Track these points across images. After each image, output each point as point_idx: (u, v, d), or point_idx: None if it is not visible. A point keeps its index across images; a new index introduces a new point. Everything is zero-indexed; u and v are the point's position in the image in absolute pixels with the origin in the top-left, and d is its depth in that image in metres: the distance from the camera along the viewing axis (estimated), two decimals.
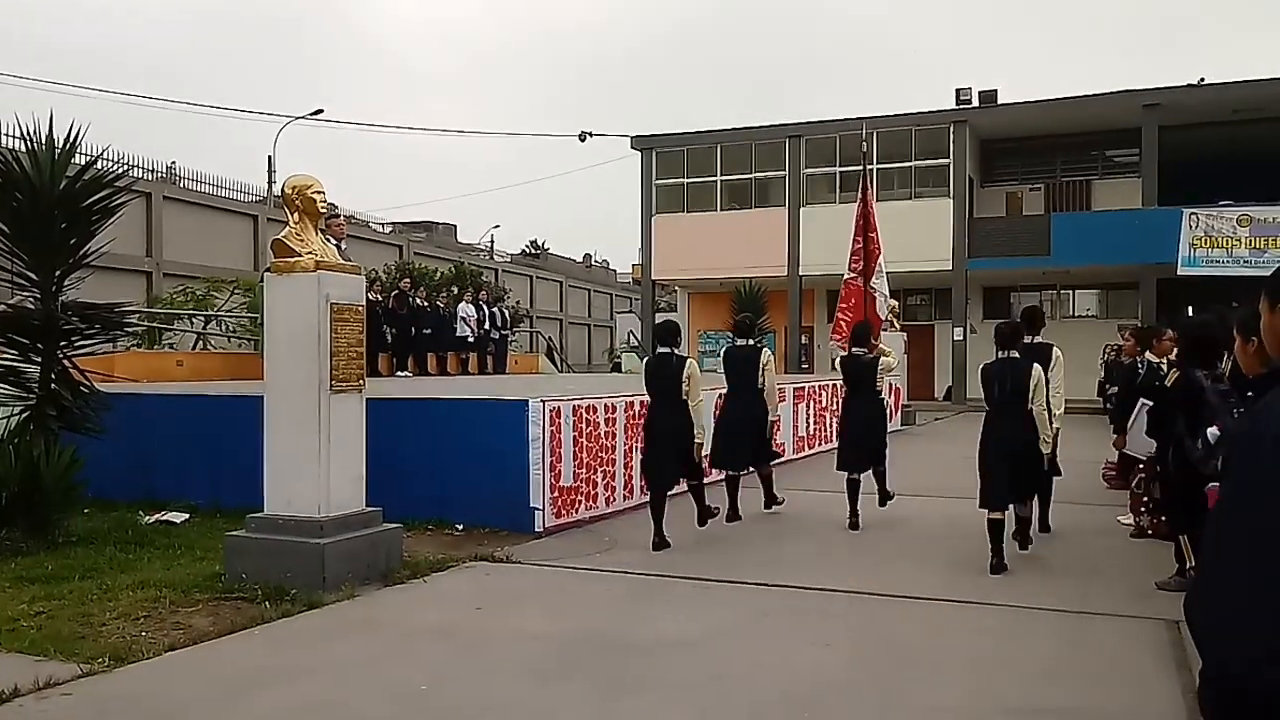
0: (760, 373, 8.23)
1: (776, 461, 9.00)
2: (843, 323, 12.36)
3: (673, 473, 7.30)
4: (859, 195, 13.13)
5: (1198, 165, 24.18)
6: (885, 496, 8.24)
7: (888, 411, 9.06)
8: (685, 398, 7.17)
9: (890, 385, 12.33)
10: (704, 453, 7.48)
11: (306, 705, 4.04)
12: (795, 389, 12.93)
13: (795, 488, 9.61)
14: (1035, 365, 6.66)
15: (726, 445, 8.16)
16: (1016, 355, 6.71)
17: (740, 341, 8.56)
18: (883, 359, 8.27)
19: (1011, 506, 6.67)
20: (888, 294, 14.27)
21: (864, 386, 8.18)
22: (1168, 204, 23.54)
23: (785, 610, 5.52)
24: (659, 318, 31.14)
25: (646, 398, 7.65)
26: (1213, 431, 5.24)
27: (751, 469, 8.43)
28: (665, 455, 7.24)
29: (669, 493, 7.24)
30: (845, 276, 13.05)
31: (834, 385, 14.73)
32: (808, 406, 13.45)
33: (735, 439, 8.14)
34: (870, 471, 8.12)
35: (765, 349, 8.55)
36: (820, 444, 13.59)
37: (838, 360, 9.37)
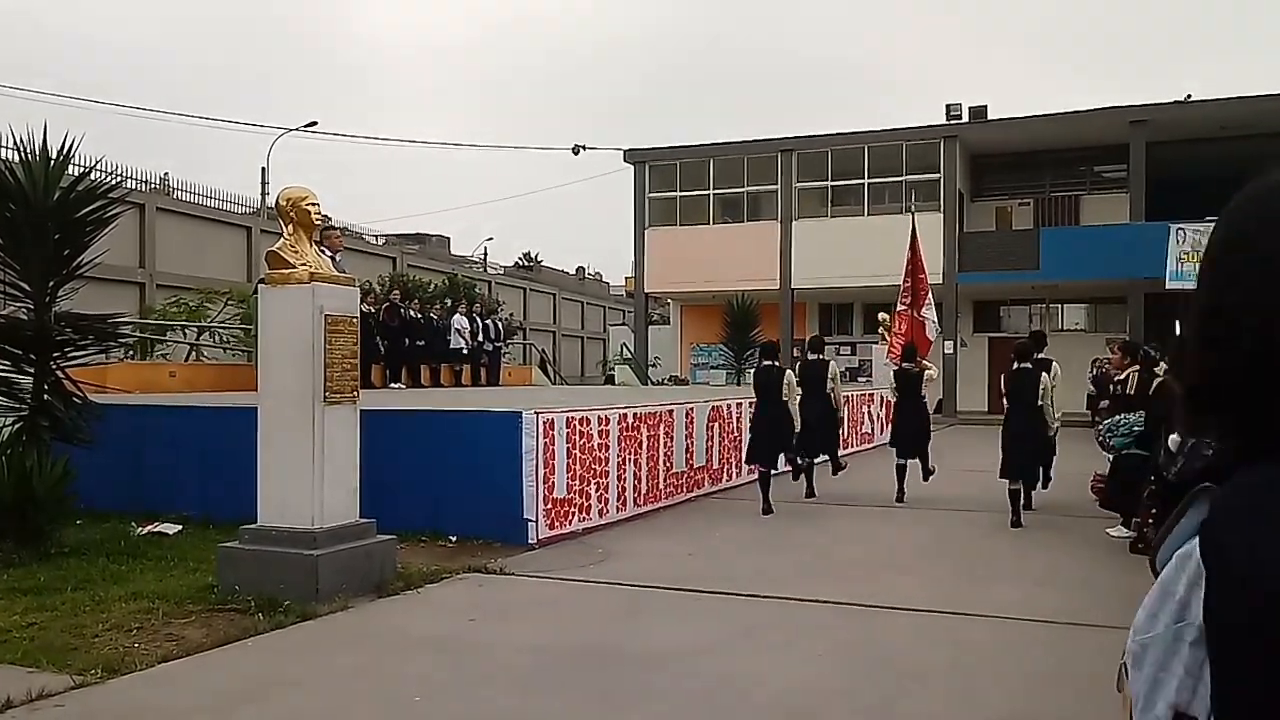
0: (829, 381, 10.23)
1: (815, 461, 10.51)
2: (896, 345, 15.13)
3: (775, 456, 9.57)
4: (908, 244, 16.22)
5: (1185, 181, 24.34)
6: (927, 473, 10.31)
7: (929, 412, 11.16)
8: (785, 398, 9.33)
9: (885, 397, 14.77)
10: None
11: (299, 716, 4.05)
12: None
13: (790, 498, 9.79)
14: (1043, 374, 8.88)
15: (803, 439, 9.82)
16: (1029, 366, 8.83)
17: (812, 356, 10.77)
18: (926, 372, 10.60)
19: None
20: (937, 321, 17.22)
21: (912, 392, 10.39)
22: (1155, 219, 23.68)
23: (777, 621, 5.54)
24: (652, 330, 31.24)
25: (753, 398, 9.78)
26: (1174, 438, 5.32)
27: (825, 458, 10.42)
28: (770, 443, 9.46)
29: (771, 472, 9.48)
30: (897, 308, 16.29)
31: None
32: None
33: (810, 434, 9.87)
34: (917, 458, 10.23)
35: (831, 362, 10.76)
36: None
37: (892, 372, 11.63)
